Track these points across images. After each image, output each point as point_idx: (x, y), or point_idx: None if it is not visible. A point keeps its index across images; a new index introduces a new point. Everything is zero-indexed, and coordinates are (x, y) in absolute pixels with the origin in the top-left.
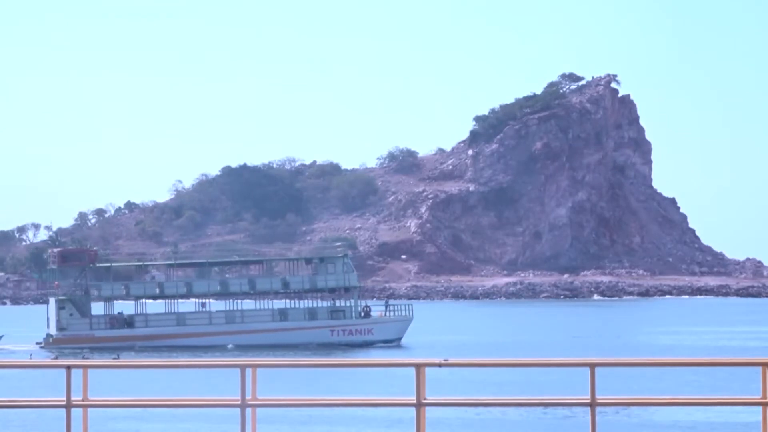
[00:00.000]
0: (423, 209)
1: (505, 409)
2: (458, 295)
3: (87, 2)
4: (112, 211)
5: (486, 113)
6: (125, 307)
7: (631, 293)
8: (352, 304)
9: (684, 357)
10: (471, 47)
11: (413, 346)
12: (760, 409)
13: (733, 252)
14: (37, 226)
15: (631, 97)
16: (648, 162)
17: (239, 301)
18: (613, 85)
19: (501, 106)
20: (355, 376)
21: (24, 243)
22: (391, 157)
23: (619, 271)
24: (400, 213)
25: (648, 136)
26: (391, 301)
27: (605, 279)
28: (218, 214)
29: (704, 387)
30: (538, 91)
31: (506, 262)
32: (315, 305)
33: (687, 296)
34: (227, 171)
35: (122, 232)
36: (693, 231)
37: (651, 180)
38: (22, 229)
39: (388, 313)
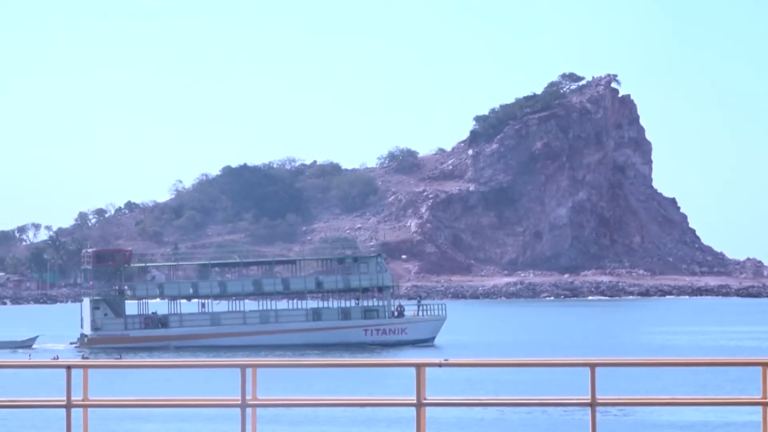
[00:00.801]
0: (423, 209)
1: (505, 409)
2: (458, 295)
3: (87, 2)
4: (112, 211)
5: (486, 113)
6: (153, 307)
7: (631, 293)
8: (386, 303)
9: (684, 357)
10: (471, 47)
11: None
12: (760, 409)
13: (733, 252)
14: (37, 226)
15: (631, 97)
16: (648, 162)
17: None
18: (613, 85)
19: (501, 106)
20: (355, 376)
21: (24, 243)
22: (392, 157)
23: (620, 271)
24: (401, 213)
25: (648, 136)
26: (423, 301)
27: (605, 279)
28: (218, 214)
29: (704, 387)
30: (538, 91)
31: (506, 262)
32: (348, 305)
33: (687, 296)
34: (227, 171)
35: (122, 232)
36: (693, 231)
37: (651, 180)
38: (22, 229)
39: (421, 313)
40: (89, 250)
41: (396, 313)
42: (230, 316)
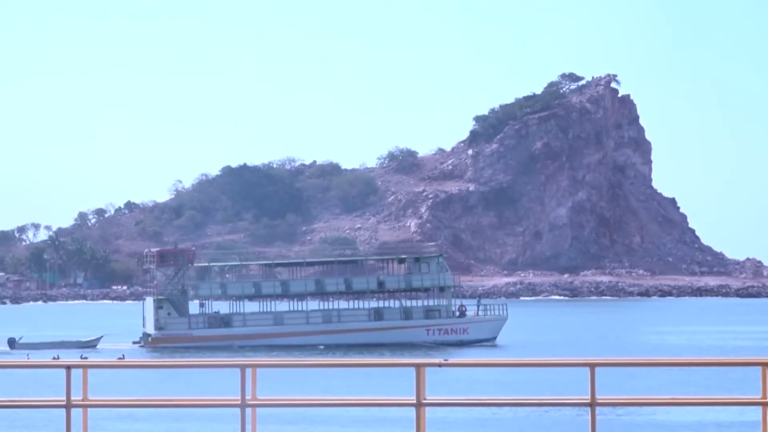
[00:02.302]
0: (423, 209)
1: (505, 409)
2: (458, 294)
3: (87, 2)
4: (112, 211)
5: (486, 113)
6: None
7: (631, 293)
8: (447, 303)
9: (684, 357)
10: (471, 47)
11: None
12: (760, 409)
13: (733, 252)
14: (37, 226)
15: (631, 97)
16: (648, 162)
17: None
18: (613, 85)
19: (501, 106)
20: (355, 376)
21: (24, 243)
22: (391, 157)
23: (619, 271)
24: (400, 213)
25: (648, 136)
26: (483, 300)
27: (605, 279)
28: (218, 214)
29: (704, 387)
30: (538, 91)
31: (506, 262)
32: (410, 305)
33: (689, 297)
34: (227, 171)
35: (122, 232)
36: (693, 231)
37: (651, 180)
38: (22, 229)
39: (482, 312)
40: (152, 250)
41: (458, 313)
42: (293, 316)
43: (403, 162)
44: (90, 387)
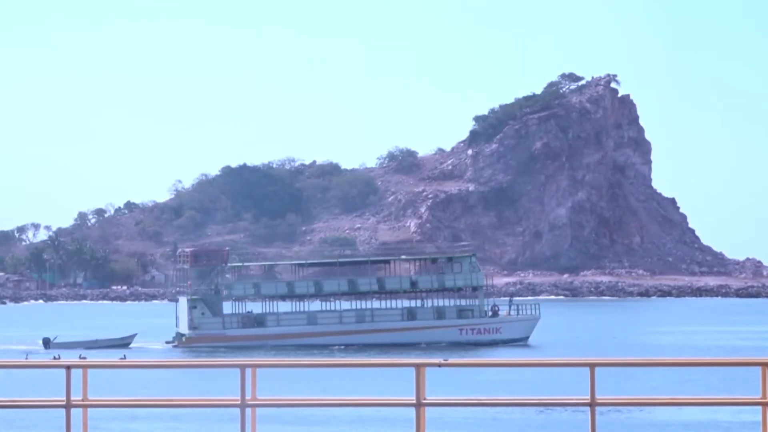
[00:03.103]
0: (423, 209)
1: (505, 409)
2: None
3: (87, 2)
4: (112, 211)
5: (486, 113)
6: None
7: (630, 293)
8: (480, 303)
9: (684, 357)
10: (471, 47)
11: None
12: (760, 409)
13: (733, 252)
14: (37, 226)
15: (631, 97)
16: (648, 162)
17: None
18: (613, 85)
19: (501, 106)
20: (355, 376)
21: (24, 243)
22: (391, 157)
23: (619, 271)
24: (400, 213)
25: (648, 136)
26: (514, 300)
27: (605, 279)
28: (218, 214)
29: (704, 387)
30: (538, 91)
31: (506, 262)
32: (443, 304)
33: (690, 297)
34: (227, 171)
35: (122, 232)
36: (693, 231)
37: (651, 180)
38: (22, 229)
39: (514, 312)
40: (186, 250)
41: (491, 313)
42: (326, 316)
43: (403, 162)
44: (92, 387)
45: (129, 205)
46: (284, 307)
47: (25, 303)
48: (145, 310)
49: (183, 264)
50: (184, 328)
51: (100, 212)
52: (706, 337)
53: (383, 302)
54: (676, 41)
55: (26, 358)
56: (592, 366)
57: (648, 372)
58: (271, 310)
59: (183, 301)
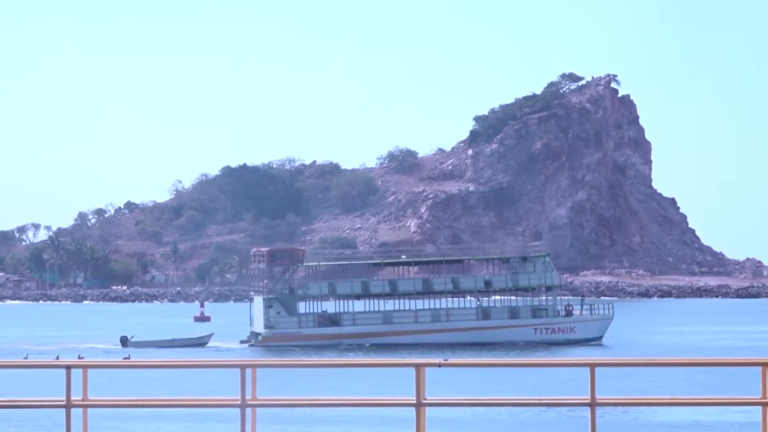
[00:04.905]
0: (423, 209)
1: (505, 409)
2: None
3: (87, 2)
4: (112, 211)
5: (486, 113)
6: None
7: (630, 293)
8: (553, 302)
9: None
10: (471, 47)
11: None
12: (759, 409)
13: (733, 252)
14: (37, 226)
15: (631, 97)
16: (648, 162)
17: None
18: (613, 85)
19: (501, 106)
20: (355, 376)
21: (24, 243)
22: (391, 157)
23: (619, 271)
24: (400, 213)
25: (648, 136)
26: (586, 300)
27: (605, 279)
28: (218, 214)
29: (704, 387)
30: (538, 91)
31: None
32: (517, 304)
33: (690, 298)
34: (227, 171)
35: (122, 232)
36: (693, 231)
37: (651, 180)
38: (22, 229)
39: (586, 312)
40: (262, 249)
41: (564, 312)
42: (402, 315)
43: (403, 162)
44: (94, 387)
45: (129, 205)
46: (357, 306)
47: (24, 302)
48: (153, 310)
49: (258, 263)
50: (259, 328)
51: (100, 212)
52: (706, 337)
53: (458, 302)
54: (676, 41)
55: (26, 358)
56: (592, 366)
57: (648, 372)
58: (345, 310)
59: (257, 300)
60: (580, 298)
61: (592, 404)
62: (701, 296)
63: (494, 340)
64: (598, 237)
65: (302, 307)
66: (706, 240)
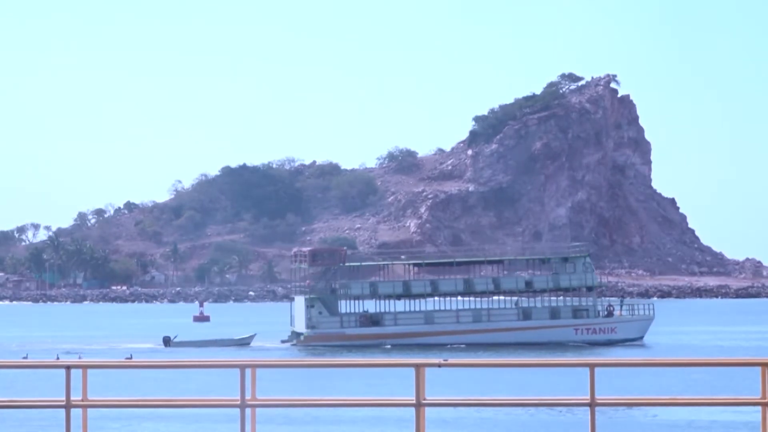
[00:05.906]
0: (423, 209)
1: (505, 409)
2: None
3: (87, 3)
4: (112, 211)
5: (486, 113)
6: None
7: (630, 293)
8: (594, 303)
9: (684, 357)
10: (471, 47)
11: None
12: (759, 409)
13: (733, 252)
14: (36, 226)
15: (631, 97)
16: (648, 162)
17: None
18: (613, 85)
19: (501, 106)
20: (355, 376)
21: (24, 243)
22: (391, 157)
23: (619, 271)
24: (400, 213)
25: (648, 136)
26: (627, 300)
27: (605, 279)
28: (218, 214)
29: (704, 387)
30: (538, 91)
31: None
32: (558, 304)
33: (689, 297)
34: (227, 171)
35: (122, 232)
36: (692, 231)
37: (651, 180)
38: (21, 229)
39: (626, 312)
40: (304, 249)
41: (605, 313)
42: (444, 315)
43: (403, 162)
44: (94, 387)
45: (129, 205)
46: (399, 306)
47: (23, 302)
48: (153, 310)
49: (300, 263)
50: (301, 327)
51: (99, 212)
52: (706, 337)
53: (500, 302)
54: (676, 41)
55: (26, 358)
56: (592, 366)
57: (648, 372)
58: (387, 310)
59: (299, 300)
60: (620, 298)
61: (592, 404)
62: (701, 296)
63: (535, 341)
64: (598, 237)
65: (343, 307)
66: (705, 240)
